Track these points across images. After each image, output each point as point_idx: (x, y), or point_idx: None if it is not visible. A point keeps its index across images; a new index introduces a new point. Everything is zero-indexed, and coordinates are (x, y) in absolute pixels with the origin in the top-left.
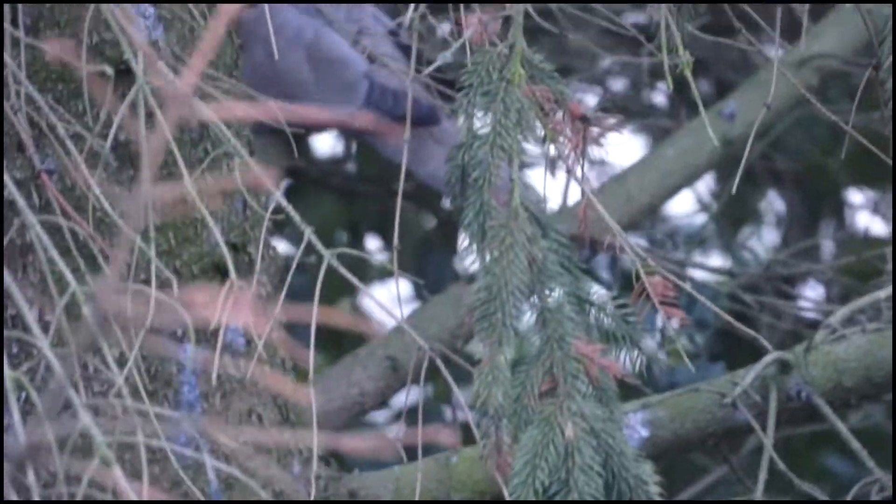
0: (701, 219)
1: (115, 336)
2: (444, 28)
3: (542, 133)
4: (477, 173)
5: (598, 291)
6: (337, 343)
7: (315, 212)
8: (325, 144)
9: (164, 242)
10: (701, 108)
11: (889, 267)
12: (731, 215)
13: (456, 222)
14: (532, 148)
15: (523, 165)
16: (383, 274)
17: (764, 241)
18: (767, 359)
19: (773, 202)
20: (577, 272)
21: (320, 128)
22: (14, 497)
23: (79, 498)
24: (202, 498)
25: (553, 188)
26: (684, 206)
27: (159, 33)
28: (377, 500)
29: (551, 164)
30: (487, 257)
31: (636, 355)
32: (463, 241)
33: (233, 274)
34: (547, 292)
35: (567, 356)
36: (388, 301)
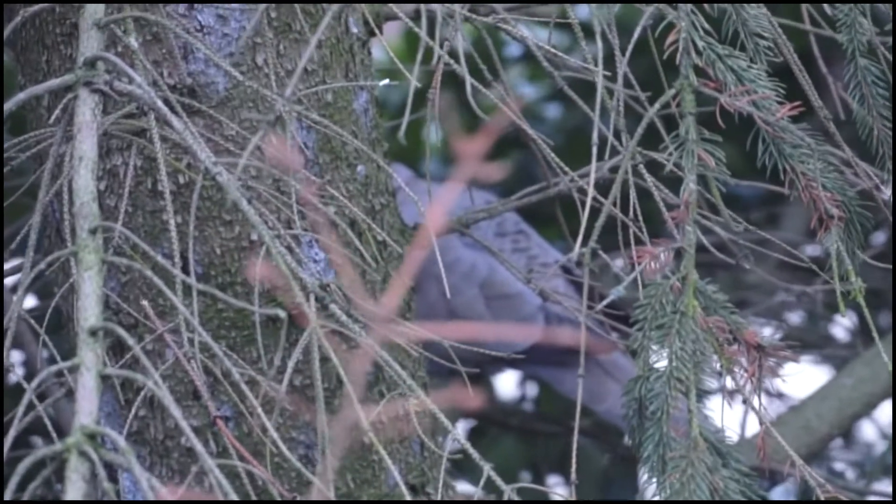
0: (881, 447)
1: None
2: (618, 263)
3: (719, 363)
4: (654, 406)
5: None
6: None
7: (496, 452)
8: (505, 385)
9: (343, 485)
10: (875, 335)
11: None
12: None
13: (635, 457)
14: (709, 379)
15: (701, 396)
16: None
17: None
18: None
19: None
20: (759, 500)
21: (497, 367)
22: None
23: None
24: None
25: (731, 419)
26: (865, 435)
27: (330, 277)
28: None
29: (729, 395)
30: (668, 489)
31: None
32: (643, 474)
33: None
34: None
35: None
36: None
